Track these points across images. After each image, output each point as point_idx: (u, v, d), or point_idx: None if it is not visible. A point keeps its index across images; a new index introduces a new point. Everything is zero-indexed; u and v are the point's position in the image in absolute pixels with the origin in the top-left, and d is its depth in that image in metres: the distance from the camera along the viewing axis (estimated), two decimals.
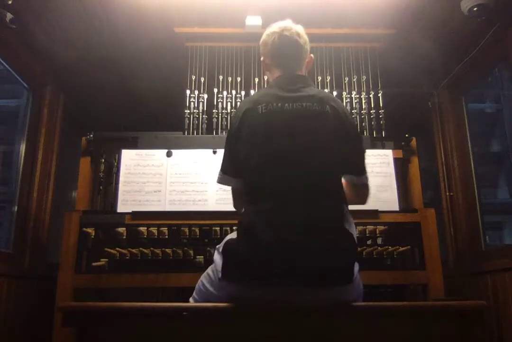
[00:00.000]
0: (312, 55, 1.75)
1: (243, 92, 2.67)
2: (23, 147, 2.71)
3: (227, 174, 1.61)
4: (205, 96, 2.67)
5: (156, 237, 2.22)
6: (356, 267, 1.49)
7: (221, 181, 1.64)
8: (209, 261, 2.17)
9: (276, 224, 1.40)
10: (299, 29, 1.70)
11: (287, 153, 1.48)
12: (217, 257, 1.53)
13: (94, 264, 2.15)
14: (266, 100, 1.56)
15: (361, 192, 1.65)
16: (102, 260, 2.16)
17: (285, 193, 1.44)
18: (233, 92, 2.68)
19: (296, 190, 1.44)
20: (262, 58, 1.77)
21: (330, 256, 1.38)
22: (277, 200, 1.43)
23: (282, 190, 1.45)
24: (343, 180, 1.59)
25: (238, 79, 2.69)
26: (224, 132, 2.56)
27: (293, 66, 1.68)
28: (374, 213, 2.29)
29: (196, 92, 2.67)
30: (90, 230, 2.23)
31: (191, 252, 2.20)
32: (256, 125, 1.53)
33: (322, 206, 1.44)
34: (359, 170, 1.60)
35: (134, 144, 2.50)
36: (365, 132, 2.62)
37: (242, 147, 1.55)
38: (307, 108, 1.54)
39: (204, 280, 1.59)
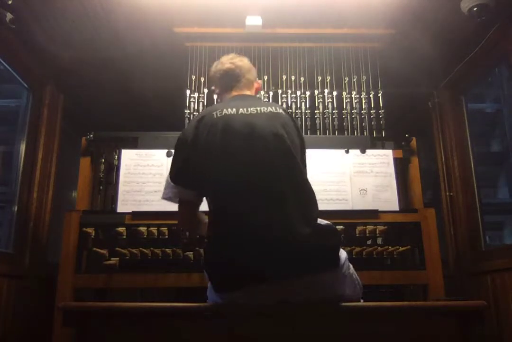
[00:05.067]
0: (260, 81, 1.86)
1: None
2: (23, 147, 2.71)
3: (180, 185, 1.58)
4: (205, 96, 2.67)
5: (156, 237, 2.22)
6: (343, 254, 1.50)
7: (175, 194, 1.59)
8: None
9: (248, 228, 1.42)
10: (243, 58, 1.82)
11: (248, 155, 1.50)
12: (205, 271, 1.55)
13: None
14: (221, 107, 1.62)
15: None
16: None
17: (248, 196, 1.46)
18: None
19: (260, 191, 1.46)
20: (213, 88, 1.86)
21: (308, 245, 1.40)
22: (245, 204, 1.45)
23: (245, 192, 1.47)
24: None
25: None
26: None
27: (241, 87, 1.75)
28: (374, 213, 2.29)
29: (196, 92, 2.67)
30: (90, 230, 2.23)
31: (191, 252, 2.20)
32: (214, 129, 1.55)
33: (292, 207, 1.45)
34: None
35: (134, 144, 2.50)
36: (365, 132, 2.62)
37: (200, 155, 1.55)
38: (262, 110, 1.59)
39: (208, 289, 1.60)
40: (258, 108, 1.59)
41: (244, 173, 1.49)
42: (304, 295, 1.40)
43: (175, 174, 1.59)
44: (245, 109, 1.59)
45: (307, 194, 1.53)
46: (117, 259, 2.16)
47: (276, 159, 1.50)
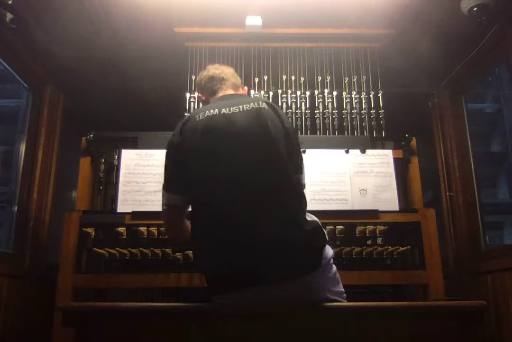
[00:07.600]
0: (246, 88, 1.87)
1: None
2: (23, 147, 2.71)
3: (173, 192, 1.59)
4: None
5: (156, 237, 2.22)
6: (329, 253, 1.48)
7: (169, 201, 1.60)
8: None
9: (229, 229, 1.42)
10: (229, 67, 1.86)
11: (230, 154, 1.49)
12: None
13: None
14: (203, 110, 1.61)
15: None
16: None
17: (234, 195, 1.45)
18: None
19: (245, 190, 1.45)
20: (199, 96, 1.88)
21: (291, 247, 1.39)
22: (226, 204, 1.45)
23: (231, 191, 1.46)
24: None
25: None
26: None
27: (227, 88, 1.76)
28: (374, 213, 2.29)
29: (196, 92, 2.67)
30: (90, 230, 2.23)
31: (191, 252, 2.20)
32: (196, 132, 1.55)
33: (274, 205, 1.44)
34: (298, 168, 1.57)
35: (134, 144, 2.50)
36: (365, 132, 2.62)
37: (186, 159, 1.55)
38: (245, 107, 1.58)
39: None
40: (241, 106, 1.57)
41: (226, 173, 1.48)
42: (284, 297, 1.39)
43: (166, 180, 1.61)
44: (227, 109, 1.57)
45: (292, 192, 1.49)
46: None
47: (258, 158, 1.48)
